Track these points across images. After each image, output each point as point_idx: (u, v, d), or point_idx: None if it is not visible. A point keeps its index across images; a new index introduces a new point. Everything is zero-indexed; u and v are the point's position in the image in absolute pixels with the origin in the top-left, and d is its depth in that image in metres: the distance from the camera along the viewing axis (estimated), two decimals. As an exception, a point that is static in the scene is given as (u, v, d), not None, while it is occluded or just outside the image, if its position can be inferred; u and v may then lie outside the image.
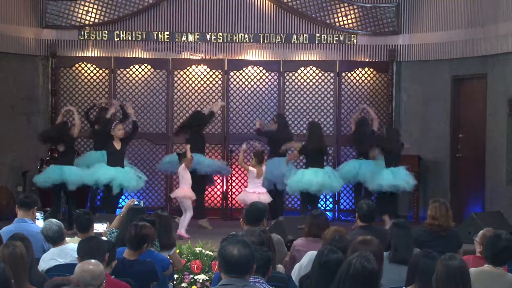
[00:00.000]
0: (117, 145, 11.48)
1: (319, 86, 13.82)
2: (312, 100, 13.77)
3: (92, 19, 13.65)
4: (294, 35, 13.78)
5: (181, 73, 13.76)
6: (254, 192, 11.29)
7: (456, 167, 13.08)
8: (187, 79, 13.76)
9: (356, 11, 13.81)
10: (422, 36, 13.54)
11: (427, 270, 5.19)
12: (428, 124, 13.43)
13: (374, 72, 13.85)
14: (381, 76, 13.83)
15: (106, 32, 13.68)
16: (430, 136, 13.39)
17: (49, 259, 6.79)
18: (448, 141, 13.17)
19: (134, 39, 13.70)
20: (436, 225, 7.51)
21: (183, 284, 9.24)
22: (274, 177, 12.00)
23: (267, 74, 13.81)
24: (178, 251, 8.64)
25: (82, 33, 13.65)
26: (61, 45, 13.59)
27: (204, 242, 9.51)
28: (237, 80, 13.78)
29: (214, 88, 13.76)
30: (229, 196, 13.33)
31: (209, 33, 13.73)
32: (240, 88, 13.78)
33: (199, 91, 13.72)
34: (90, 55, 13.72)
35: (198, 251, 9.36)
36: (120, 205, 11.46)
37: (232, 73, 13.79)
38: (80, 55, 13.70)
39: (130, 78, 13.72)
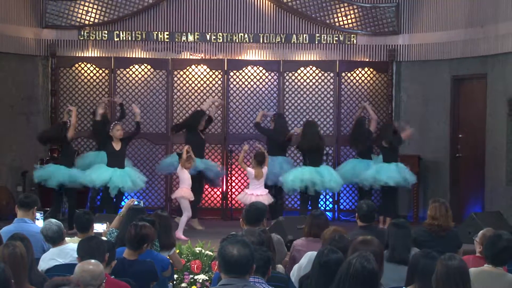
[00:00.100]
0: (116, 146, 11.46)
1: (319, 86, 13.82)
2: (312, 100, 13.77)
3: (92, 19, 13.65)
4: (294, 35, 13.78)
5: (181, 73, 13.76)
6: (252, 194, 11.31)
7: (456, 167, 13.08)
8: (187, 79, 13.76)
9: (356, 11, 13.81)
10: (422, 36, 13.54)
11: (427, 270, 5.19)
12: (428, 124, 13.43)
13: (374, 72, 13.85)
14: (381, 76, 13.83)
15: (106, 32, 13.68)
16: (430, 136, 13.39)
17: (49, 259, 6.79)
18: (448, 141, 13.18)
19: (134, 39, 13.70)
20: (436, 225, 7.51)
21: (183, 284, 9.24)
22: (274, 176, 11.98)
23: (267, 74, 13.81)
24: (178, 251, 8.64)
25: (82, 33, 13.65)
26: (61, 45, 13.59)
27: (204, 242, 9.51)
28: (237, 80, 13.78)
29: (214, 88, 13.76)
30: (228, 196, 13.33)
31: (209, 33, 13.74)
32: (240, 88, 13.78)
33: (199, 91, 13.72)
34: (90, 55, 13.72)
35: (198, 251, 9.36)
36: (120, 206, 11.47)
37: (232, 73, 13.79)
38: (80, 55, 13.70)
39: (130, 78, 13.72)
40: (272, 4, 13.77)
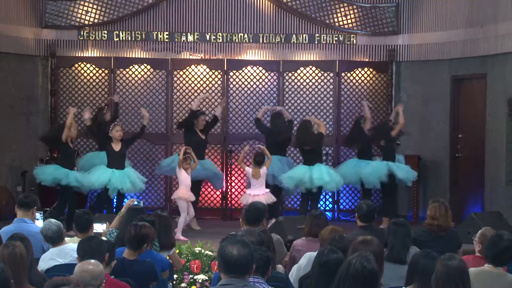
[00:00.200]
0: (116, 147, 11.44)
1: (319, 86, 13.82)
2: (312, 100, 13.77)
3: (91, 19, 13.65)
4: (294, 35, 13.78)
5: (181, 73, 13.76)
6: (250, 194, 11.36)
7: (456, 167, 13.08)
8: (187, 79, 13.76)
9: (355, 11, 13.81)
10: (422, 36, 13.54)
11: (426, 270, 5.19)
12: (428, 124, 13.43)
13: (374, 72, 13.85)
14: (381, 76, 13.83)
15: (106, 32, 13.68)
16: (429, 136, 13.39)
17: (48, 259, 6.79)
18: (447, 141, 13.17)
19: (133, 39, 13.70)
20: (435, 225, 7.51)
21: (183, 284, 9.24)
22: (269, 176, 11.96)
23: (266, 74, 13.81)
24: (177, 251, 8.64)
25: (82, 33, 13.65)
26: (60, 45, 13.59)
27: (203, 242, 9.51)
28: (237, 80, 13.78)
29: (213, 88, 13.76)
30: (228, 196, 13.33)
31: (209, 33, 13.74)
32: (240, 88, 13.78)
33: (198, 91, 13.71)
34: (89, 55, 13.72)
35: (197, 251, 9.36)
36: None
37: (231, 73, 13.79)
38: (79, 55, 13.70)
39: (130, 78, 13.72)
40: (271, 4, 13.77)
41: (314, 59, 13.82)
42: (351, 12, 13.80)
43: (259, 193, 11.33)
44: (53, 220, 7.11)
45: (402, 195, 13.01)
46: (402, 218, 8.67)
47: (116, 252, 6.17)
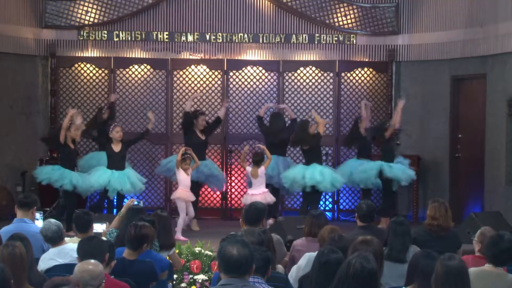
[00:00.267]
0: (116, 148, 11.42)
1: (319, 86, 13.82)
2: (312, 100, 13.77)
3: (91, 19, 13.65)
4: (294, 35, 13.78)
5: (181, 73, 13.76)
6: (249, 194, 11.38)
7: (456, 167, 13.08)
8: (187, 79, 13.76)
9: (355, 11, 13.81)
10: (422, 36, 13.54)
11: (426, 270, 5.19)
12: (428, 124, 13.43)
13: (374, 72, 13.85)
14: (381, 76, 13.84)
15: (106, 32, 13.68)
16: (429, 136, 13.39)
17: (48, 259, 6.79)
18: (447, 141, 13.18)
19: (133, 39, 13.70)
20: (435, 225, 7.51)
21: (183, 284, 9.24)
22: (269, 175, 11.97)
23: (266, 74, 13.81)
24: (177, 251, 8.64)
25: (82, 33, 13.65)
26: (60, 45, 13.59)
27: (203, 242, 9.51)
28: (237, 80, 13.78)
29: (213, 88, 13.76)
30: (228, 196, 13.33)
31: (209, 33, 13.74)
32: (240, 88, 13.78)
33: (198, 91, 13.71)
34: (89, 55, 13.72)
35: (197, 251, 9.37)
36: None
37: (231, 73, 13.79)
38: (79, 55, 13.70)
39: (130, 78, 13.72)
40: (271, 4, 13.77)
41: (314, 59, 13.82)
42: (351, 12, 13.81)
43: (256, 193, 11.34)
44: (53, 220, 7.11)
45: (401, 195, 13.01)
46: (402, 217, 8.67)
47: (116, 252, 6.17)
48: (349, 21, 13.81)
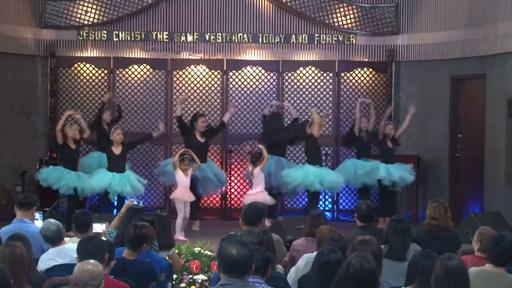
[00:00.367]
0: (116, 150, 11.38)
1: (318, 86, 13.82)
2: (311, 100, 13.77)
3: (91, 19, 13.65)
4: (293, 35, 13.78)
5: (180, 73, 13.76)
6: (247, 193, 11.37)
7: (455, 167, 13.08)
8: (186, 79, 13.76)
9: (355, 11, 13.81)
10: (421, 36, 13.54)
11: (426, 270, 5.19)
12: (427, 124, 13.43)
13: (373, 72, 13.85)
14: (380, 76, 13.84)
15: (105, 32, 13.68)
16: (429, 136, 13.39)
17: (48, 259, 6.78)
18: (447, 141, 13.18)
19: (133, 39, 13.70)
20: (435, 225, 7.51)
21: (182, 284, 9.24)
22: (268, 176, 11.97)
23: (266, 74, 13.81)
24: (177, 251, 8.64)
25: (81, 33, 13.64)
26: (60, 45, 13.59)
27: (203, 242, 9.51)
28: (236, 80, 13.78)
29: (213, 88, 13.76)
30: (228, 196, 13.34)
31: (208, 33, 13.73)
32: (239, 88, 13.78)
33: (198, 91, 13.72)
34: (89, 55, 13.72)
35: (197, 251, 9.37)
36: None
37: (231, 73, 13.79)
38: (79, 55, 13.70)
39: (129, 78, 13.72)
40: (271, 4, 13.77)
41: (314, 59, 13.82)
42: (351, 12, 13.81)
43: (251, 193, 11.38)
44: (52, 220, 7.11)
45: (401, 195, 13.01)
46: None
47: (116, 252, 6.17)
48: (348, 21, 13.81)
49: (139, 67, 13.72)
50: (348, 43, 13.81)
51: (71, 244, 6.88)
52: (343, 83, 13.82)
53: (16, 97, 13.15)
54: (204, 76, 13.75)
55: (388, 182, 11.97)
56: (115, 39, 13.69)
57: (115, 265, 5.93)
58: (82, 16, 13.63)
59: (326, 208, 13.45)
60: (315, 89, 13.80)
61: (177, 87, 13.74)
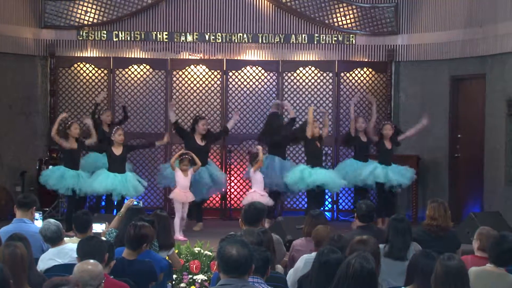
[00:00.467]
0: (117, 151, 11.36)
1: (318, 86, 13.82)
2: (311, 100, 13.76)
3: (90, 19, 13.65)
4: (293, 35, 13.78)
5: (180, 73, 13.76)
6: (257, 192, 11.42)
7: (455, 167, 13.08)
8: (186, 79, 13.76)
9: (355, 11, 13.81)
10: (421, 36, 13.54)
11: (426, 270, 5.19)
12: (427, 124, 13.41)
13: (373, 72, 13.85)
14: (380, 76, 13.84)
15: (105, 32, 13.67)
16: (429, 136, 13.38)
17: (47, 259, 6.78)
18: (446, 141, 13.18)
19: (132, 39, 13.70)
20: (434, 226, 7.50)
21: (182, 284, 9.24)
22: (267, 176, 11.96)
23: (265, 74, 13.81)
24: (177, 251, 8.64)
25: (81, 33, 13.64)
26: (59, 45, 13.59)
27: (203, 242, 9.51)
28: (236, 80, 13.78)
29: (213, 88, 13.75)
30: (228, 196, 13.33)
31: (208, 33, 13.73)
32: (239, 88, 13.77)
33: (198, 91, 13.72)
34: (88, 55, 13.72)
35: (197, 251, 9.37)
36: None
37: (231, 73, 13.79)
38: (78, 55, 13.69)
39: (129, 78, 13.72)
40: (271, 4, 13.76)
41: (313, 59, 13.82)
42: (350, 12, 13.80)
43: (249, 193, 11.44)
44: (52, 220, 7.11)
45: (401, 196, 13.01)
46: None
47: (116, 252, 6.17)
48: (348, 21, 13.81)
49: (138, 67, 13.72)
50: (348, 43, 13.81)
51: (71, 244, 6.88)
52: (342, 83, 13.82)
53: (15, 97, 13.15)
54: (204, 76, 13.75)
55: (385, 185, 11.95)
56: (115, 39, 13.69)
57: (114, 265, 5.93)
58: (82, 16, 13.62)
59: (326, 208, 13.44)
60: (315, 89, 13.80)
61: (177, 87, 13.74)
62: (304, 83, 13.80)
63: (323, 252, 5.27)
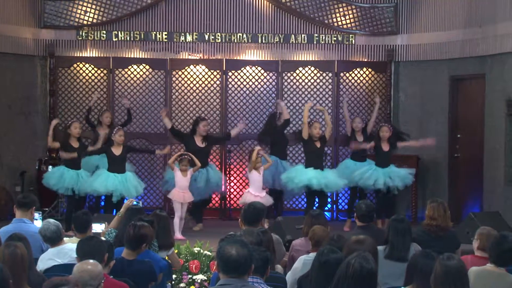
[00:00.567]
0: (116, 151, 11.34)
1: (317, 86, 13.82)
2: (311, 100, 13.74)
3: (90, 19, 13.64)
4: (293, 35, 13.77)
5: (179, 73, 13.76)
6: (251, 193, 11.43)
7: (454, 167, 13.08)
8: (185, 79, 13.76)
9: (354, 11, 13.81)
10: (421, 36, 13.54)
11: (425, 270, 5.19)
12: (427, 124, 13.43)
13: (373, 72, 13.85)
14: (379, 76, 13.83)
15: (104, 32, 13.67)
16: (428, 136, 13.35)
17: (47, 259, 6.78)
18: (446, 141, 13.18)
19: (132, 39, 13.70)
20: (434, 226, 7.50)
21: (182, 284, 9.24)
22: (267, 176, 11.97)
23: (265, 74, 13.80)
24: (176, 251, 8.64)
25: (80, 33, 13.64)
26: (59, 45, 13.59)
27: (202, 242, 9.51)
28: (236, 80, 13.78)
29: (212, 88, 13.75)
30: (227, 196, 13.33)
31: (208, 33, 13.73)
32: (239, 88, 13.77)
33: (197, 91, 13.71)
34: (88, 55, 13.71)
35: (196, 251, 9.37)
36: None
37: (230, 73, 13.78)
38: (78, 55, 13.69)
39: (129, 78, 13.71)
40: (270, 4, 13.76)
41: (313, 59, 13.82)
42: (350, 12, 13.80)
43: (246, 192, 11.52)
44: (51, 220, 7.11)
45: (400, 196, 13.00)
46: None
47: (115, 252, 6.17)
48: (348, 21, 13.81)
49: (138, 67, 13.72)
50: (347, 43, 13.80)
51: (70, 244, 6.88)
52: (342, 83, 13.82)
53: (15, 97, 13.14)
54: (203, 76, 13.75)
55: (383, 188, 11.94)
56: (114, 39, 13.68)
57: (114, 265, 5.93)
58: (82, 16, 13.62)
59: (326, 208, 13.42)
60: (315, 89, 13.80)
61: (177, 87, 13.74)
62: (303, 83, 13.80)
63: (323, 252, 5.27)
